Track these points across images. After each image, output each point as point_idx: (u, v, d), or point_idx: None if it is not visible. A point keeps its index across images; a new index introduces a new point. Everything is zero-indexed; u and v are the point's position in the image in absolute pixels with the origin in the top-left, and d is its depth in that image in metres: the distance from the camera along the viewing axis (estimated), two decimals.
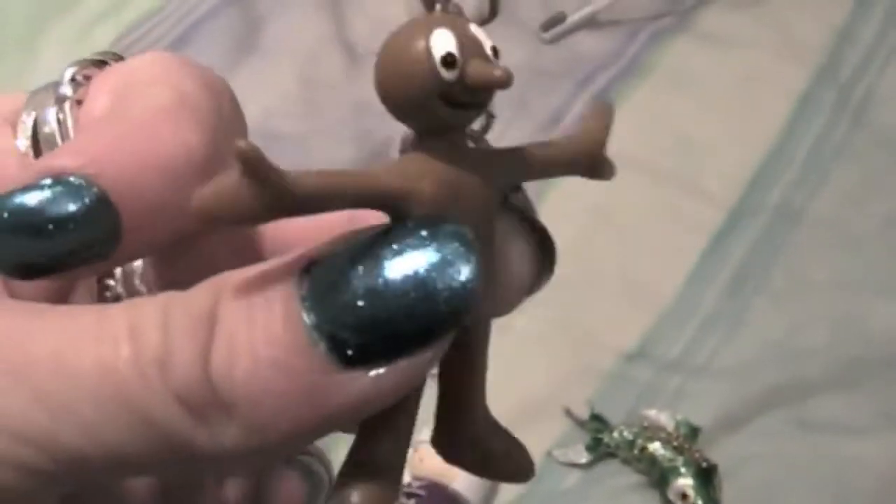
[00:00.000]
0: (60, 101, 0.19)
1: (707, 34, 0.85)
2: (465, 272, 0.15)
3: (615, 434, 0.64)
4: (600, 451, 0.64)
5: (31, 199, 0.16)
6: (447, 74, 0.16)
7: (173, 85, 0.18)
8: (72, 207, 0.16)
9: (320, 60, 0.83)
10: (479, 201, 0.16)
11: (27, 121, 0.19)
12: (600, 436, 0.64)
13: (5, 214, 0.16)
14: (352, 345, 0.15)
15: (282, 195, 0.15)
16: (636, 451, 0.63)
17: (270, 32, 0.85)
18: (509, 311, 0.18)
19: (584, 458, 0.65)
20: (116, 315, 0.15)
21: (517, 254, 0.18)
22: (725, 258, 0.73)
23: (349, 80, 0.82)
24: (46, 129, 0.19)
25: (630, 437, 0.64)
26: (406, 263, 0.15)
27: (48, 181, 0.16)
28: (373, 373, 0.15)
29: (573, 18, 0.84)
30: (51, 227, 0.16)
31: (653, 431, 0.63)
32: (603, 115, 0.18)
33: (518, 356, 0.63)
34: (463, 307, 0.15)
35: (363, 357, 0.15)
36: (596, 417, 0.65)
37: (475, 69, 0.16)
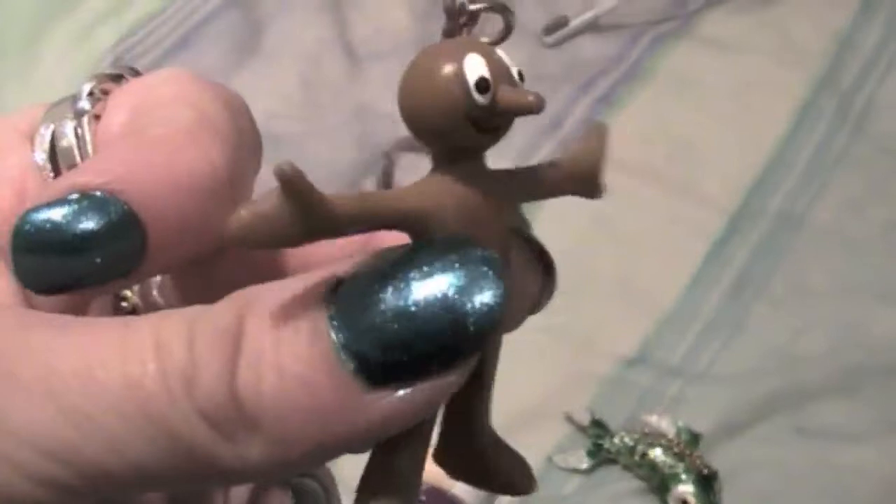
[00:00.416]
0: (79, 115, 0.19)
1: (709, 39, 0.85)
2: (492, 295, 0.15)
3: (616, 440, 0.64)
4: (601, 456, 0.64)
5: (56, 214, 0.16)
6: (481, 99, 0.16)
7: (193, 104, 0.18)
8: (98, 223, 0.16)
9: (322, 63, 0.83)
10: (497, 224, 0.17)
11: (45, 134, 0.19)
12: (601, 441, 0.64)
13: (31, 229, 0.16)
14: (379, 365, 0.15)
15: (323, 218, 0.15)
16: (637, 457, 0.63)
17: (272, 35, 0.85)
18: (514, 328, 0.19)
19: (584, 463, 0.64)
20: (142, 330, 0.15)
21: (526, 273, 0.18)
22: (726, 264, 0.73)
23: (350, 83, 0.82)
24: (64, 143, 0.19)
25: (631, 443, 0.63)
26: (435, 285, 0.15)
27: (74, 196, 0.16)
28: (399, 393, 0.15)
29: (575, 23, 0.84)
30: (76, 242, 0.16)
31: (653, 437, 0.63)
32: (598, 136, 0.18)
33: (518, 361, 0.62)
34: (490, 329, 0.15)
35: (390, 377, 0.15)
36: (597, 423, 0.65)
37: (506, 95, 0.16)
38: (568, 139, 0.78)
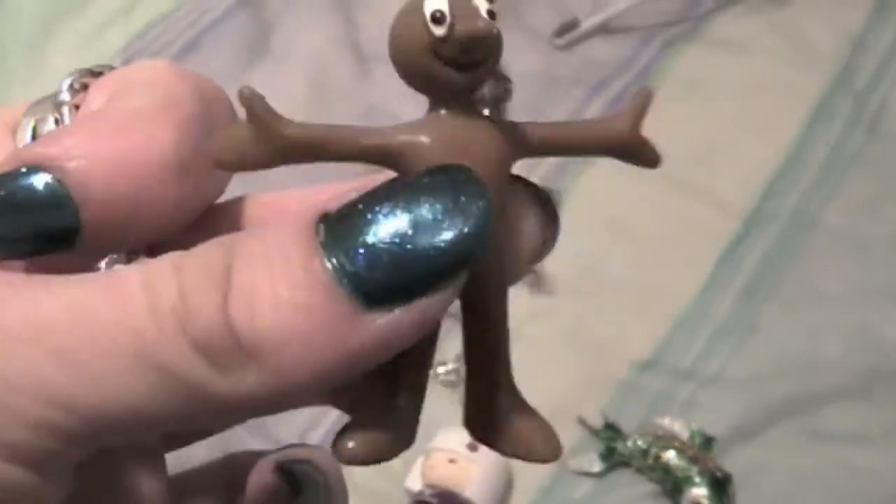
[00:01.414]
0: (59, 106, 0.20)
1: (721, 41, 0.85)
2: (479, 212, 0.16)
3: (629, 443, 0.64)
4: (613, 459, 0.64)
5: (3, 185, 0.17)
6: (436, 30, 0.17)
7: (162, 87, 0.19)
8: (32, 197, 0.17)
9: (331, 64, 0.83)
10: (484, 161, 0.17)
11: (27, 127, 0.19)
12: (614, 444, 0.64)
13: None
14: (373, 285, 0.15)
15: (285, 138, 0.17)
16: (650, 461, 0.63)
17: (281, 36, 0.85)
18: (521, 279, 0.19)
19: (596, 466, 0.64)
20: (127, 273, 0.16)
21: (529, 220, 0.18)
22: (739, 266, 0.73)
23: (360, 84, 0.82)
24: (45, 132, 0.19)
25: (644, 445, 0.63)
26: (424, 205, 0.16)
27: (23, 169, 0.17)
28: (395, 312, 0.15)
29: (587, 25, 0.84)
30: (10, 214, 0.17)
31: (667, 440, 0.63)
32: (640, 100, 0.19)
33: (531, 364, 0.62)
34: (478, 246, 0.16)
35: (384, 297, 0.15)
36: (609, 426, 0.65)
37: (462, 23, 0.16)
38: None
